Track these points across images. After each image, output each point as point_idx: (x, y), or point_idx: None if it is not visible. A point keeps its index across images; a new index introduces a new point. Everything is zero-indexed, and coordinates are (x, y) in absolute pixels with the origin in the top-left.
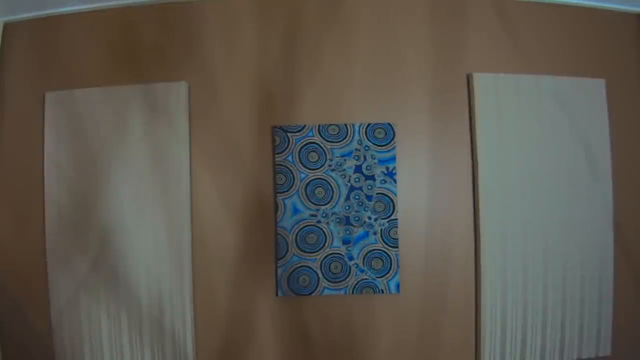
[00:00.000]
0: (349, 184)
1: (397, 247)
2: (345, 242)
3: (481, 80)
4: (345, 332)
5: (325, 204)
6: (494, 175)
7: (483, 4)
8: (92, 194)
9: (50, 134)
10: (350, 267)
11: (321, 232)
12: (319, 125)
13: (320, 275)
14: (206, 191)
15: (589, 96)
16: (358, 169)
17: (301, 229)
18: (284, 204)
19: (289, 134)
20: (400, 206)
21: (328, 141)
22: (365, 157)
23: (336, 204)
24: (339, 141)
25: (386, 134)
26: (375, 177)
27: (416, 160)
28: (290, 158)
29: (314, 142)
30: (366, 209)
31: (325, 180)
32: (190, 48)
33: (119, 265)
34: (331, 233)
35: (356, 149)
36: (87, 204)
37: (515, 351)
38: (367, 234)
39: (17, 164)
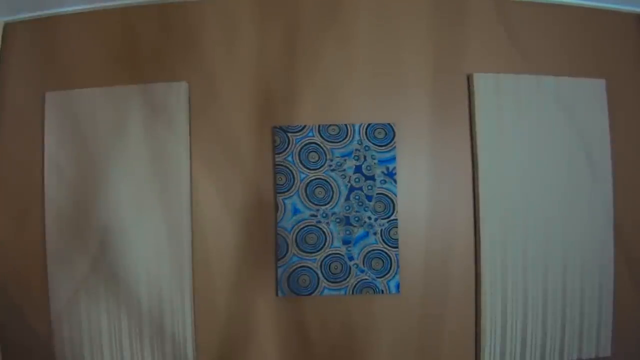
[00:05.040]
0: (349, 184)
1: (397, 247)
2: (346, 242)
3: (481, 81)
4: (345, 333)
5: (326, 204)
6: (494, 176)
7: (483, 4)
8: (92, 194)
9: (50, 134)
10: (350, 268)
11: (321, 232)
12: (319, 126)
13: (320, 276)
14: (206, 191)
15: (589, 96)
16: (358, 169)
17: (301, 229)
18: (284, 204)
19: (289, 134)
20: (400, 206)
21: (328, 141)
22: (365, 157)
23: (336, 204)
24: (339, 141)
25: (386, 134)
26: (375, 177)
27: (416, 160)
28: (290, 158)
29: (314, 142)
30: (366, 209)
31: (325, 180)
32: (190, 48)
33: (119, 265)
34: (331, 233)
35: (356, 149)
36: (87, 204)
37: (515, 351)
38: (367, 234)
39: (17, 164)
